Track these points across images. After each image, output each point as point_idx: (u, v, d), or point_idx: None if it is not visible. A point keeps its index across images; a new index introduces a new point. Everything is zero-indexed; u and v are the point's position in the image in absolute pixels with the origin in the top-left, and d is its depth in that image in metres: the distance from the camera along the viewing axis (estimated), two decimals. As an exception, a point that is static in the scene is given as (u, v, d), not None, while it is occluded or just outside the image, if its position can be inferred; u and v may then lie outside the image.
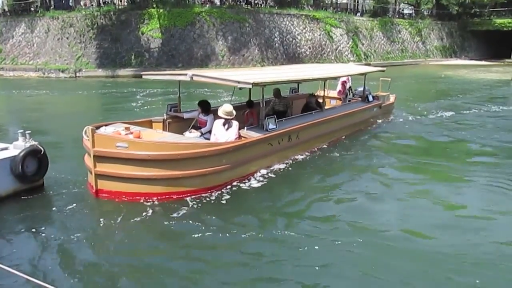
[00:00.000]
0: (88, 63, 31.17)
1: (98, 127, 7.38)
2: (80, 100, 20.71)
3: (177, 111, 9.24)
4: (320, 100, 11.23)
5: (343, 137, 11.21)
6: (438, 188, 7.86)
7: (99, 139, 6.75)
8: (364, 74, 13.08)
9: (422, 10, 52.74)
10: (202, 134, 8.33)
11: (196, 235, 5.85)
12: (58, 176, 7.92)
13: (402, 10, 52.69)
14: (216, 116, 7.98)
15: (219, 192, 7.27)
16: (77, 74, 30.54)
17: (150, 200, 6.82)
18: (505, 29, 50.82)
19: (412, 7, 53.28)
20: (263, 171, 8.23)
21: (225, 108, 7.82)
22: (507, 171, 8.72)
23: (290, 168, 8.69)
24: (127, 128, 7.35)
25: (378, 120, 13.27)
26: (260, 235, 5.93)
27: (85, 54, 31.59)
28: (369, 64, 32.81)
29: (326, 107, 11.17)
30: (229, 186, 7.48)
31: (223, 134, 7.72)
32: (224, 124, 7.78)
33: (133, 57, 30.85)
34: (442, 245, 5.66)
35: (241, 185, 7.65)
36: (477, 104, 18.05)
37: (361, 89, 13.34)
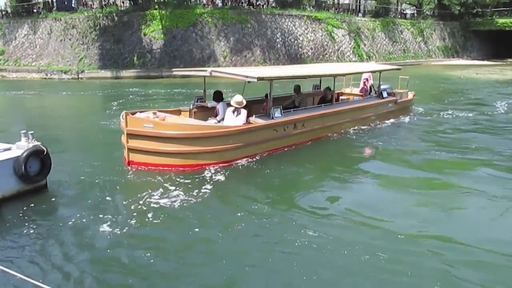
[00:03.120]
0: (90, 64, 31.27)
1: (134, 113, 8.91)
2: (83, 101, 20.77)
3: (202, 102, 10.64)
4: (342, 97, 13.00)
5: (353, 128, 12.05)
6: (431, 191, 7.87)
7: (131, 121, 8.41)
8: (379, 72, 13.67)
9: (424, 10, 52.62)
10: (218, 121, 9.77)
11: (200, 200, 7.10)
12: (61, 176, 7.96)
13: (404, 11, 52.53)
14: (230, 105, 9.47)
15: (227, 166, 8.62)
16: (80, 76, 30.65)
17: (170, 170, 8.32)
18: (507, 29, 50.57)
19: (414, 7, 53.16)
20: (270, 152, 9.56)
21: (236, 99, 9.29)
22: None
23: (294, 152, 9.91)
24: (154, 113, 8.84)
25: (394, 115, 13.79)
26: (254, 203, 7.14)
27: (87, 56, 31.69)
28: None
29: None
30: (237, 162, 8.85)
31: (233, 119, 9.20)
32: (234, 112, 9.24)
33: (135, 58, 30.92)
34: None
35: (248, 162, 8.96)
36: (493, 105, 17.83)
37: (384, 86, 13.98)
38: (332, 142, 10.96)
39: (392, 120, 13.47)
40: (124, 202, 6.91)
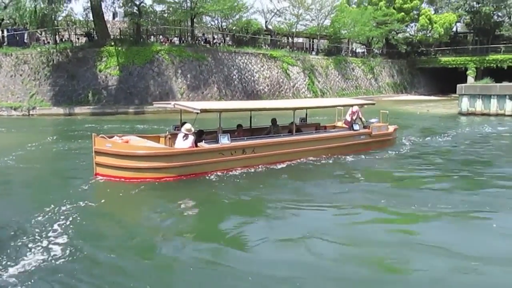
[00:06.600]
0: (42, 101, 30.39)
1: (111, 136, 10.90)
2: (32, 138, 19.97)
3: (178, 130, 11.87)
4: (333, 129, 14.51)
5: (314, 157, 12.70)
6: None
7: (97, 141, 10.44)
8: (351, 106, 14.72)
9: (374, 49, 55.64)
10: None
11: (142, 207, 9.02)
12: (7, 221, 7.60)
13: (355, 49, 55.36)
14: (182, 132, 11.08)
15: (171, 182, 10.30)
16: (31, 112, 29.65)
17: (124, 181, 10.16)
18: (449, 66, 54.49)
19: (364, 46, 56.12)
20: (220, 172, 10.94)
21: (186, 126, 11.04)
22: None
23: (237, 174, 11.08)
24: (120, 136, 11.15)
25: (367, 147, 14.25)
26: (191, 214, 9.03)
27: (39, 92, 30.84)
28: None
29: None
30: (183, 179, 10.49)
31: (182, 143, 10.96)
32: (183, 137, 10.93)
33: (90, 94, 30.41)
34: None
35: (192, 180, 10.50)
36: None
37: (372, 120, 14.90)
38: (281, 170, 11.71)
39: (362, 153, 13.68)
40: (72, 236, 6.69)
